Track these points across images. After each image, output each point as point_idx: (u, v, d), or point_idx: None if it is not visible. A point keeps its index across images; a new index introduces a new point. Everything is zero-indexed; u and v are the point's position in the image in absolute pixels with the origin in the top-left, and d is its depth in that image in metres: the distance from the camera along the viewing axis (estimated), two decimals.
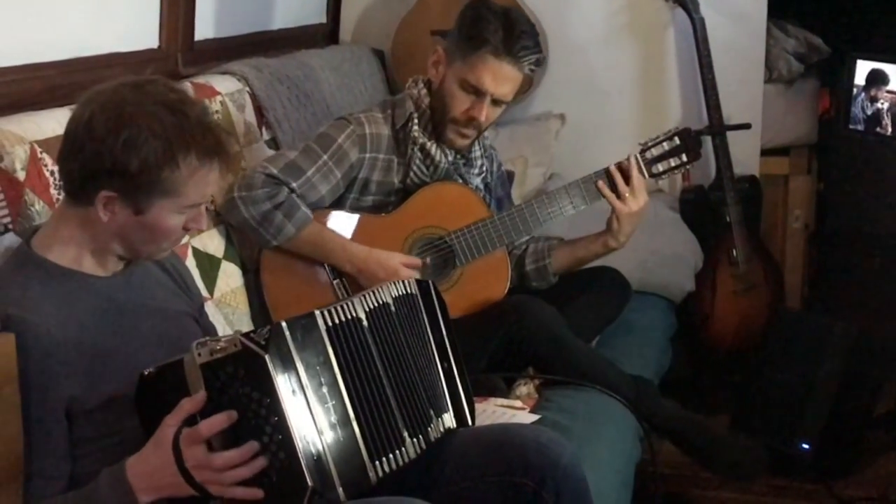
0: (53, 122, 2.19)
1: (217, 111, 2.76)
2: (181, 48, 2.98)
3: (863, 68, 3.35)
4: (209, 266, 2.54)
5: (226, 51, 3.19)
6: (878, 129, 3.33)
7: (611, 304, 2.80)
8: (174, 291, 1.99)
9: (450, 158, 2.68)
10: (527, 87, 3.55)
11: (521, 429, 1.99)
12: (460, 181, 2.71)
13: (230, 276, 2.61)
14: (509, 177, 3.13)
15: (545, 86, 3.77)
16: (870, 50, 3.45)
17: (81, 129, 1.69)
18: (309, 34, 3.80)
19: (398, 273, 2.50)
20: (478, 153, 2.76)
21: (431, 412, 1.89)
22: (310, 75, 3.31)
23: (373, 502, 1.69)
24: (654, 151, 2.69)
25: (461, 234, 2.64)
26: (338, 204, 2.65)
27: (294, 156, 2.58)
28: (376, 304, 1.85)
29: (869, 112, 3.34)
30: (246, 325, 2.57)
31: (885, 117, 3.29)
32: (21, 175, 2.07)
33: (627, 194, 2.61)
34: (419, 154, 2.64)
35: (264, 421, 1.60)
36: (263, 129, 3.00)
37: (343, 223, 2.63)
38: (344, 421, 1.69)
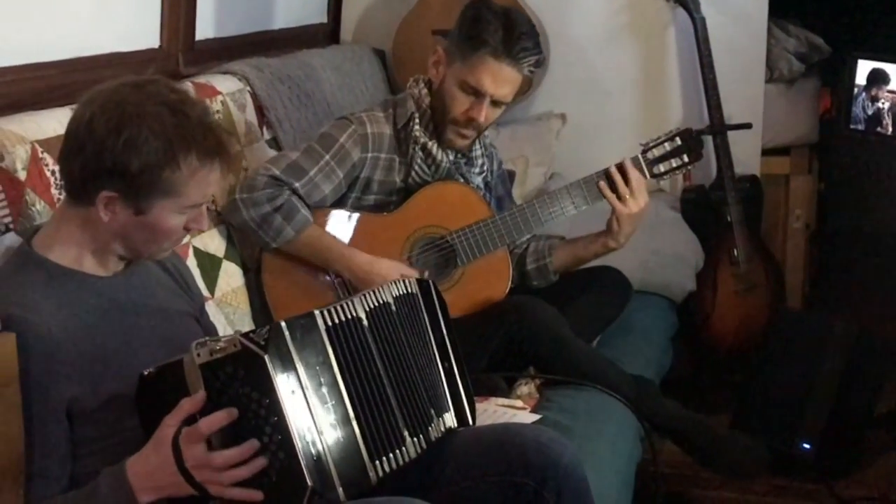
0: (54, 121, 2.19)
1: (218, 111, 2.76)
2: (182, 48, 2.98)
3: (864, 68, 3.36)
4: (210, 266, 2.54)
5: (227, 50, 3.19)
6: (878, 129, 3.33)
7: (612, 303, 2.80)
8: (175, 291, 1.99)
9: (451, 158, 2.68)
10: (527, 88, 3.55)
11: (521, 428, 1.99)
12: (462, 181, 2.71)
13: (231, 276, 2.61)
14: (510, 176, 3.13)
15: (546, 85, 3.77)
16: (871, 49, 3.45)
17: (82, 129, 1.69)
18: (310, 34, 3.80)
19: None
20: (478, 152, 2.76)
21: (432, 412, 1.89)
22: (311, 75, 3.32)
23: (373, 502, 1.69)
24: (656, 152, 2.69)
25: (462, 234, 2.64)
26: (340, 203, 2.65)
27: (296, 156, 2.58)
28: (377, 304, 1.85)
29: (870, 112, 3.34)
30: (247, 325, 2.57)
31: (886, 117, 3.29)
32: (22, 175, 2.07)
33: (628, 196, 2.61)
34: (421, 153, 2.64)
35: (264, 421, 1.60)
36: (264, 128, 3.00)
37: (344, 222, 2.63)
38: (344, 421, 1.69)
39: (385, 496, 1.72)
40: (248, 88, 2.98)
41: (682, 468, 2.87)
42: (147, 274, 1.92)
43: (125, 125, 1.67)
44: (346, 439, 1.69)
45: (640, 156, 2.67)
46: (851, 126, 3.43)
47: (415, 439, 1.82)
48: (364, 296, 1.84)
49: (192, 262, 2.46)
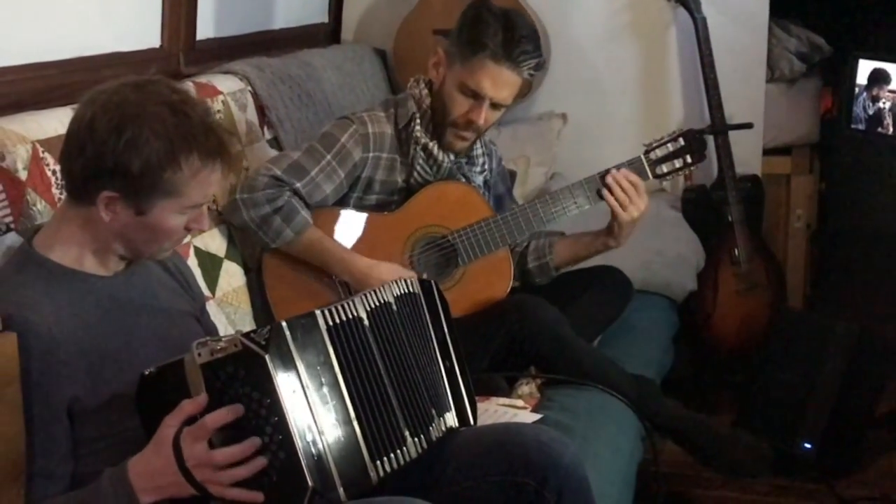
0: (55, 121, 2.19)
1: (219, 111, 2.76)
2: (183, 48, 2.98)
3: (865, 68, 3.35)
4: (211, 265, 2.54)
5: (228, 50, 3.19)
6: (879, 129, 3.33)
7: (613, 303, 2.80)
8: (176, 291, 1.99)
9: (452, 158, 2.68)
10: (526, 91, 3.55)
11: (522, 428, 1.99)
12: (463, 180, 2.71)
13: (232, 276, 2.61)
14: (511, 176, 3.13)
15: (547, 85, 3.77)
16: (872, 49, 3.44)
17: (83, 129, 1.69)
18: (311, 34, 3.80)
19: None
20: (479, 151, 2.76)
21: (433, 411, 1.89)
22: (312, 75, 3.32)
23: (374, 502, 1.69)
24: (659, 152, 2.69)
25: (464, 234, 2.64)
26: (341, 203, 2.65)
27: (297, 156, 2.58)
28: (378, 304, 1.85)
29: (871, 111, 3.34)
30: (248, 325, 2.57)
31: (887, 117, 3.28)
32: (23, 175, 2.07)
33: (629, 203, 2.60)
34: (422, 154, 2.63)
35: (265, 421, 1.60)
36: (265, 128, 3.00)
37: (346, 222, 2.63)
38: (345, 421, 1.69)
39: (386, 496, 1.72)
40: (249, 88, 2.98)
41: (683, 468, 2.87)
42: (148, 274, 1.92)
43: (126, 125, 1.67)
44: (346, 439, 1.69)
45: (642, 156, 2.67)
46: (852, 126, 3.42)
47: (416, 439, 1.81)
48: (365, 295, 1.83)
49: (192, 262, 2.46)
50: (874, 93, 3.32)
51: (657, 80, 3.73)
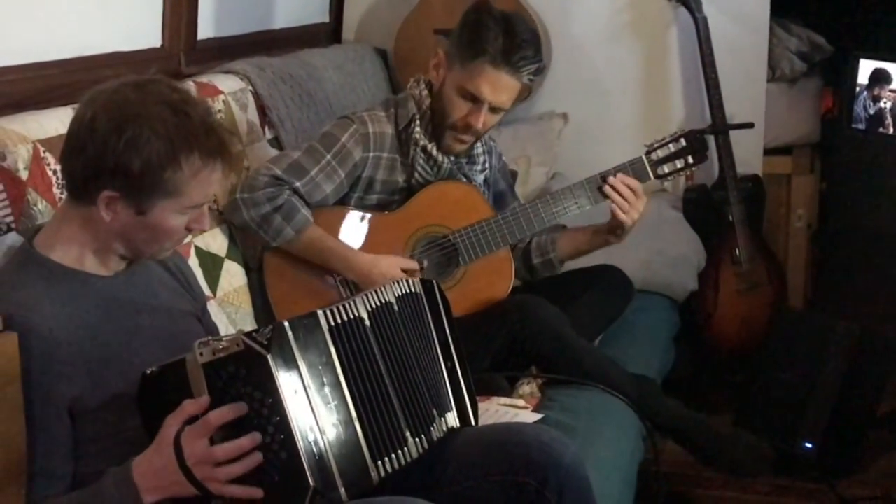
0: (56, 121, 2.19)
1: (220, 110, 2.76)
2: (184, 47, 2.98)
3: (866, 67, 3.34)
4: (212, 265, 2.54)
5: (228, 50, 3.19)
6: (880, 129, 3.32)
7: (614, 303, 2.80)
8: (177, 291, 1.99)
9: (452, 158, 2.68)
10: (526, 94, 3.55)
11: (523, 428, 1.99)
12: (464, 180, 2.71)
13: (233, 276, 2.61)
14: (512, 176, 3.13)
15: (548, 85, 3.77)
16: (873, 49, 3.44)
17: (84, 128, 1.69)
18: (311, 33, 3.80)
19: None
20: (480, 149, 2.76)
21: (434, 412, 1.89)
22: (312, 74, 3.32)
23: (375, 502, 1.69)
24: (660, 153, 2.69)
25: (465, 233, 2.64)
26: (342, 202, 2.65)
27: (298, 155, 2.58)
28: (379, 304, 1.85)
29: (871, 111, 3.33)
30: (249, 325, 2.57)
31: (888, 117, 3.28)
32: (24, 174, 2.07)
33: (629, 207, 2.60)
34: (422, 154, 2.63)
35: (266, 421, 1.60)
36: (266, 128, 3.00)
37: (347, 221, 2.63)
38: (346, 421, 1.69)
39: (387, 496, 1.72)
40: (250, 88, 2.98)
41: (683, 468, 2.87)
42: (149, 273, 1.92)
43: (127, 125, 1.67)
44: (348, 439, 1.69)
45: (644, 157, 2.67)
46: (853, 126, 3.42)
47: (417, 439, 1.81)
48: (366, 296, 1.83)
49: (193, 262, 2.46)
50: (875, 93, 3.32)
51: (658, 80, 3.73)
